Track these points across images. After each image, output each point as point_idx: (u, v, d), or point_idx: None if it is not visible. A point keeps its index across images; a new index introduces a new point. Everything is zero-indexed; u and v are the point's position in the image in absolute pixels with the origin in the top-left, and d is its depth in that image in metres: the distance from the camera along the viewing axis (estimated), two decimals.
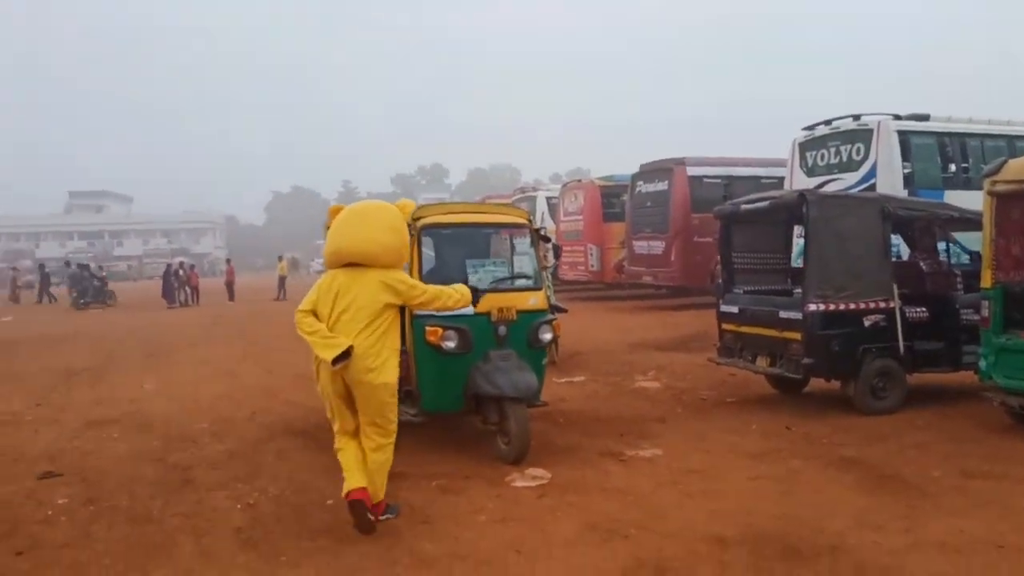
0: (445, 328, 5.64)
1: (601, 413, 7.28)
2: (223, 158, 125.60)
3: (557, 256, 6.65)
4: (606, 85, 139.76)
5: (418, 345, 5.75)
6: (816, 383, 7.52)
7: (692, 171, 16.70)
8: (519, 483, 5.20)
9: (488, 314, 5.77)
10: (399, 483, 5.34)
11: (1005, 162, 6.10)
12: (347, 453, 4.52)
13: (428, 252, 5.89)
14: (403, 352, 6.01)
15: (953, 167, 12.83)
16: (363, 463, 4.47)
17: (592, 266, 19.72)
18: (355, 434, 4.57)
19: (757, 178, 17.02)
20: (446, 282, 5.87)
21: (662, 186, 17.05)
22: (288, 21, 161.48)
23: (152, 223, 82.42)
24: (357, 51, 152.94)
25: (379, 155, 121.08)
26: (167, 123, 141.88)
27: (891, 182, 11.84)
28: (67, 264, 32.45)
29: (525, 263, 6.26)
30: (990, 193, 6.06)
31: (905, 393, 6.86)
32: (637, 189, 17.87)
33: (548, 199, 22.89)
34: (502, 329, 5.80)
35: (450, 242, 6.15)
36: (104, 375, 11.33)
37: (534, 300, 6.04)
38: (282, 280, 29.09)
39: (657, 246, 16.90)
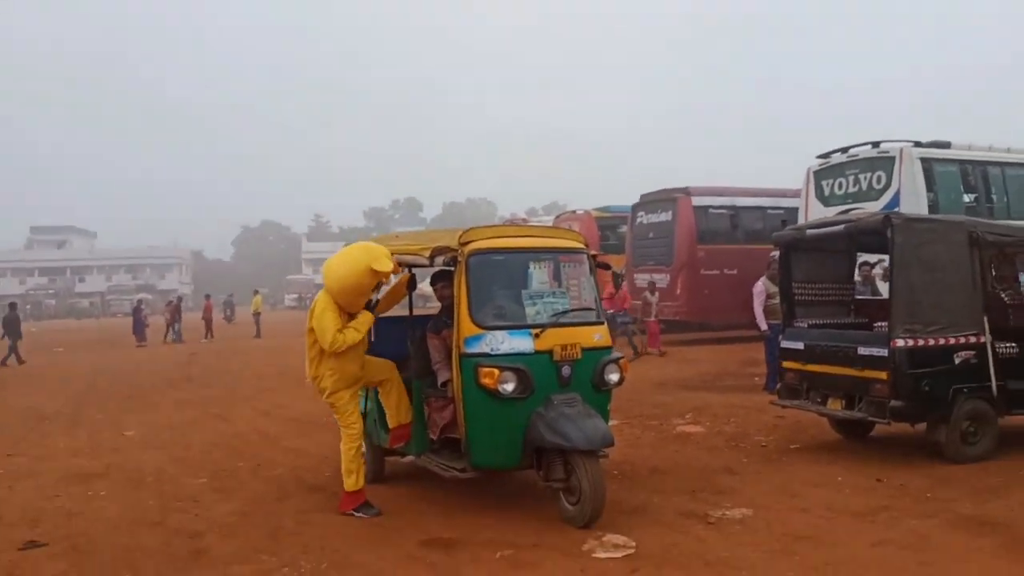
0: (502, 369, 4.86)
1: (657, 464, 6.51)
2: (190, 192, 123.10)
3: (619, 285, 5.91)
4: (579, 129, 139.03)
5: (468, 389, 4.95)
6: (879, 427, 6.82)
7: (697, 200, 16.20)
8: (601, 553, 4.40)
9: (550, 352, 5.02)
10: (455, 552, 4.53)
11: None
12: None
13: (479, 281, 5.12)
14: (448, 397, 5.26)
15: (975, 196, 12.46)
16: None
17: None
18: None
19: (763, 208, 16.72)
20: (501, 316, 5.17)
21: (665, 216, 16.52)
22: (262, 53, 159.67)
23: (116, 258, 79.91)
24: (330, 87, 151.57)
25: (352, 188, 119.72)
26: (133, 158, 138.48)
27: (915, 212, 11.36)
28: None
29: (585, 293, 5.52)
30: None
31: (996, 438, 6.19)
32: (638, 220, 17.32)
33: None
34: (566, 369, 5.04)
35: (501, 270, 5.39)
36: (79, 420, 10.32)
37: (599, 336, 5.30)
38: (257, 316, 27.90)
39: (661, 279, 16.29)
